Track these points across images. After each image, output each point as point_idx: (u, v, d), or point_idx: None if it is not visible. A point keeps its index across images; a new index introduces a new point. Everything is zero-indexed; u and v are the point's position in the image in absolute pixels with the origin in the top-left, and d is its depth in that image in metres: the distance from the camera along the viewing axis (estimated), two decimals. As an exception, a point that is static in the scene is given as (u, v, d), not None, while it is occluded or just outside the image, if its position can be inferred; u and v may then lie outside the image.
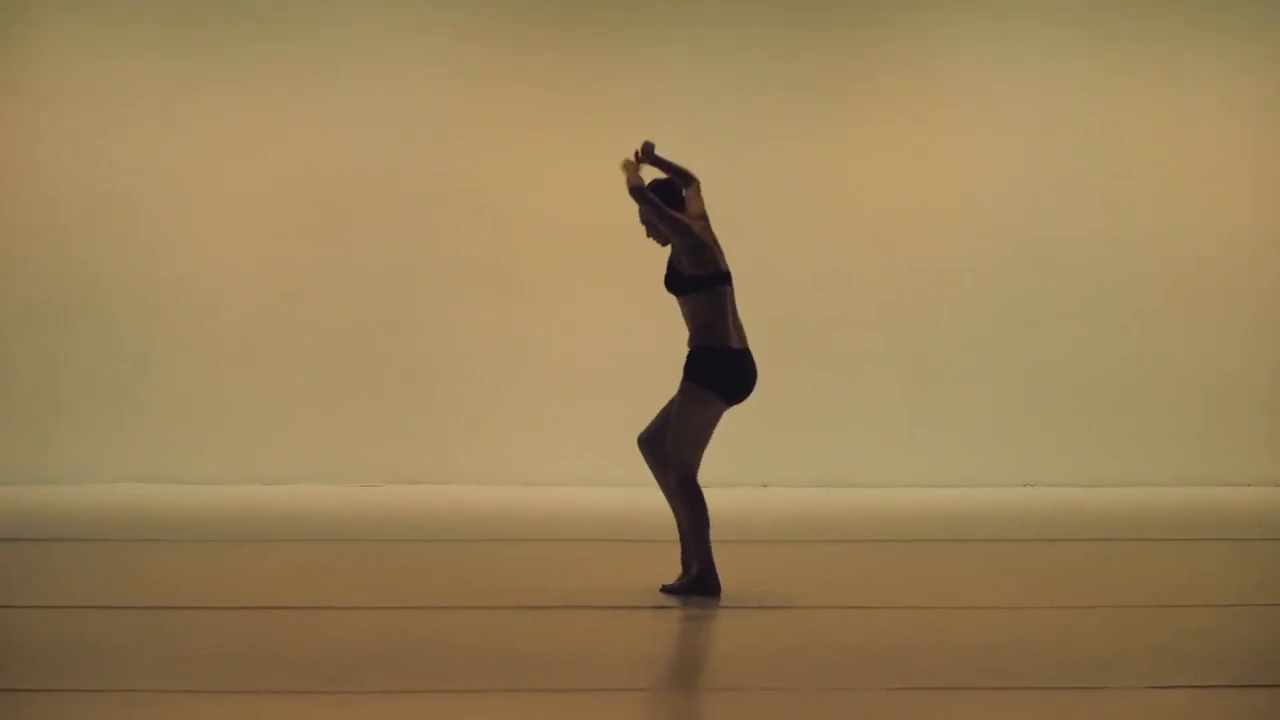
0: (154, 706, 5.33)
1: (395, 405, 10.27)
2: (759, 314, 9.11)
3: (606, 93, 10.32)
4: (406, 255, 10.28)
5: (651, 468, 7.09)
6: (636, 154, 7.09)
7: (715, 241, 6.99)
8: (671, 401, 7.03)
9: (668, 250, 6.98)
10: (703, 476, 7.11)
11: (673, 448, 6.94)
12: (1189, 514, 9.56)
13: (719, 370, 6.88)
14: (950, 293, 10.47)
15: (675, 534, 7.13)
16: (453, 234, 10.28)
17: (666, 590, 7.01)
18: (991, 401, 10.47)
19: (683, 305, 6.97)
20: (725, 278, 6.92)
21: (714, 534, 8.16)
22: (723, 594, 7.02)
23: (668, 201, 6.94)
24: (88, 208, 10.16)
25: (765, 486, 10.15)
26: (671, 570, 7.29)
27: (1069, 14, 10.51)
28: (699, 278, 6.88)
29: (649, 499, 9.70)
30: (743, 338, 6.96)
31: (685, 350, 10.27)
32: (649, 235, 6.99)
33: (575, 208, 10.31)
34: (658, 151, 7.11)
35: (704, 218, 7.02)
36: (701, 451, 6.97)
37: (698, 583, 6.97)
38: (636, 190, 6.86)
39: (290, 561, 7.83)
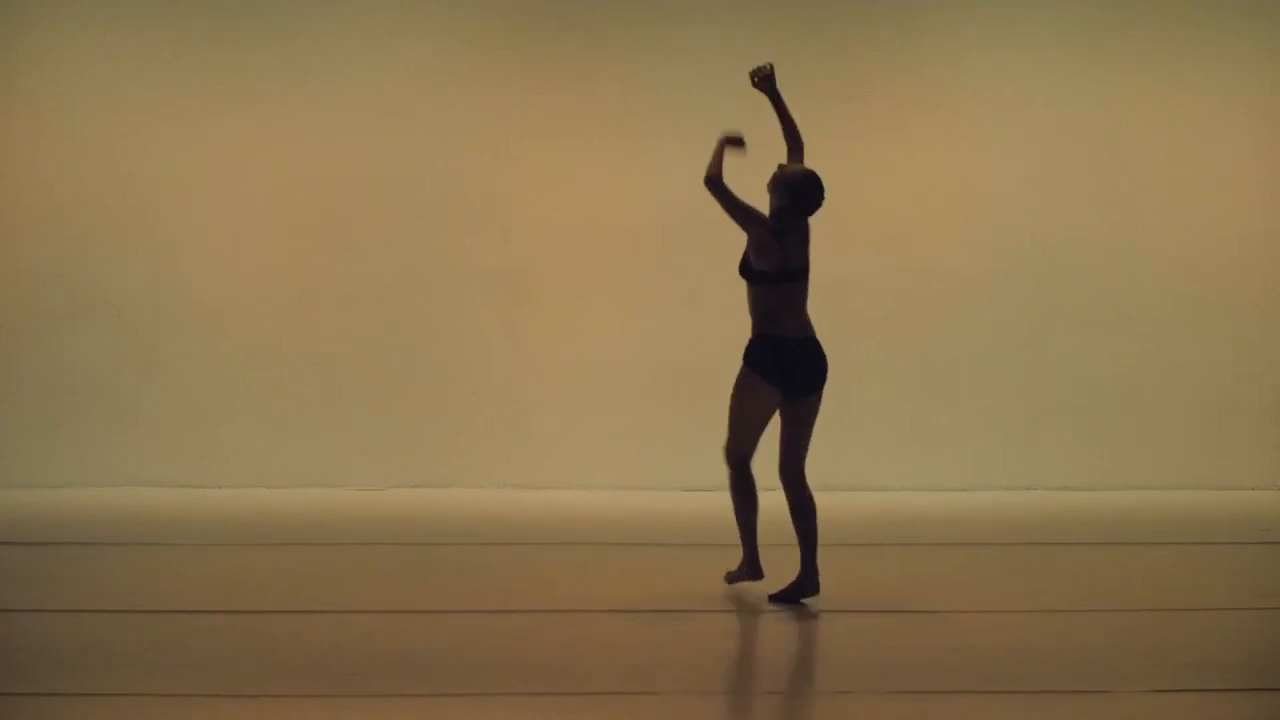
0: (158, 710, 5.33)
1: (401, 410, 10.26)
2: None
3: (614, 99, 10.31)
4: (412, 260, 10.27)
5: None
6: (754, 77, 7.29)
7: (799, 235, 7.05)
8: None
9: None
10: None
11: (729, 428, 7.08)
12: (1196, 517, 9.54)
13: (768, 357, 6.96)
14: (956, 298, 10.45)
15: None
16: (460, 239, 10.28)
17: (774, 598, 7.05)
18: (998, 406, 10.46)
19: (749, 292, 7.09)
20: (790, 274, 7.00)
21: (718, 538, 8.18)
22: (725, 597, 7.02)
23: (796, 211, 7.03)
24: (93, 212, 10.16)
25: (767, 490, 10.13)
26: (673, 574, 7.29)
27: (1074, 22, 10.49)
28: (763, 273, 6.98)
29: (654, 503, 9.70)
30: (804, 326, 7.03)
31: (695, 354, 10.29)
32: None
33: (583, 214, 10.30)
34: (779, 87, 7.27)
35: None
36: (754, 437, 7.05)
37: (796, 584, 7.03)
38: (711, 181, 7.00)
39: (295, 565, 7.83)
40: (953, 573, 7.76)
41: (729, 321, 9.87)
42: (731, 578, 7.19)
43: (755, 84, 7.32)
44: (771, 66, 7.31)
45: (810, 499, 7.06)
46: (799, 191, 7.02)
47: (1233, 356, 10.58)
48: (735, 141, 7.17)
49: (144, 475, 10.10)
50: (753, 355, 7.02)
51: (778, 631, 6.69)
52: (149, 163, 10.17)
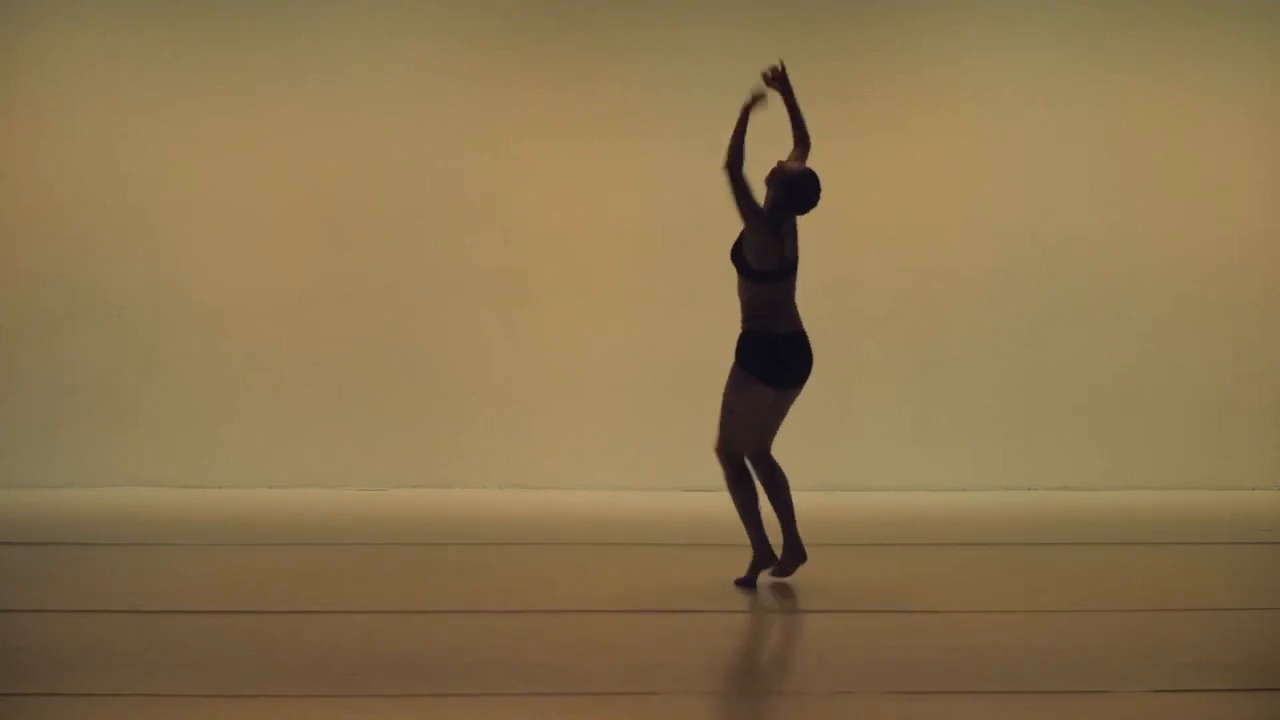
0: (158, 710, 5.34)
1: (401, 409, 10.26)
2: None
3: (614, 99, 10.30)
4: (412, 260, 10.27)
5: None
6: (766, 75, 7.34)
7: (791, 229, 7.14)
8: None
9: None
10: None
11: (720, 425, 7.15)
12: (1196, 517, 9.53)
13: (762, 356, 7.05)
14: (956, 298, 10.45)
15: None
16: (460, 239, 10.28)
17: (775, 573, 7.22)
18: (998, 406, 10.46)
19: (739, 284, 7.15)
20: (784, 273, 7.07)
21: (718, 539, 8.18)
22: (725, 598, 7.02)
23: (791, 207, 7.10)
24: (93, 212, 10.16)
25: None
26: (673, 574, 7.29)
27: (1074, 22, 10.49)
28: (761, 272, 7.02)
29: (654, 503, 9.70)
30: (794, 321, 7.12)
31: (695, 354, 10.27)
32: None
33: (583, 214, 10.30)
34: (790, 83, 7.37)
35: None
36: (748, 432, 7.13)
37: (785, 558, 7.21)
38: (730, 168, 6.99)
39: (296, 565, 7.83)
40: (953, 573, 7.76)
41: (729, 321, 9.84)
42: (745, 580, 7.21)
43: (768, 81, 7.33)
44: (782, 66, 7.34)
45: (781, 471, 7.24)
46: (795, 189, 7.09)
47: (1233, 356, 10.58)
48: (757, 100, 7.17)
49: (144, 475, 10.11)
50: (748, 355, 7.09)
51: (778, 631, 6.69)
52: (149, 163, 10.17)
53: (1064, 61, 10.47)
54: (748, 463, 7.23)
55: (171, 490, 9.98)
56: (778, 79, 7.37)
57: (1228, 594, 7.48)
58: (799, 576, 7.30)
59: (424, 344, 10.27)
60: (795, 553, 7.20)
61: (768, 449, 7.27)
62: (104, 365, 10.16)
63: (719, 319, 9.79)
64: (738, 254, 7.12)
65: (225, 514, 9.23)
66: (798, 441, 10.30)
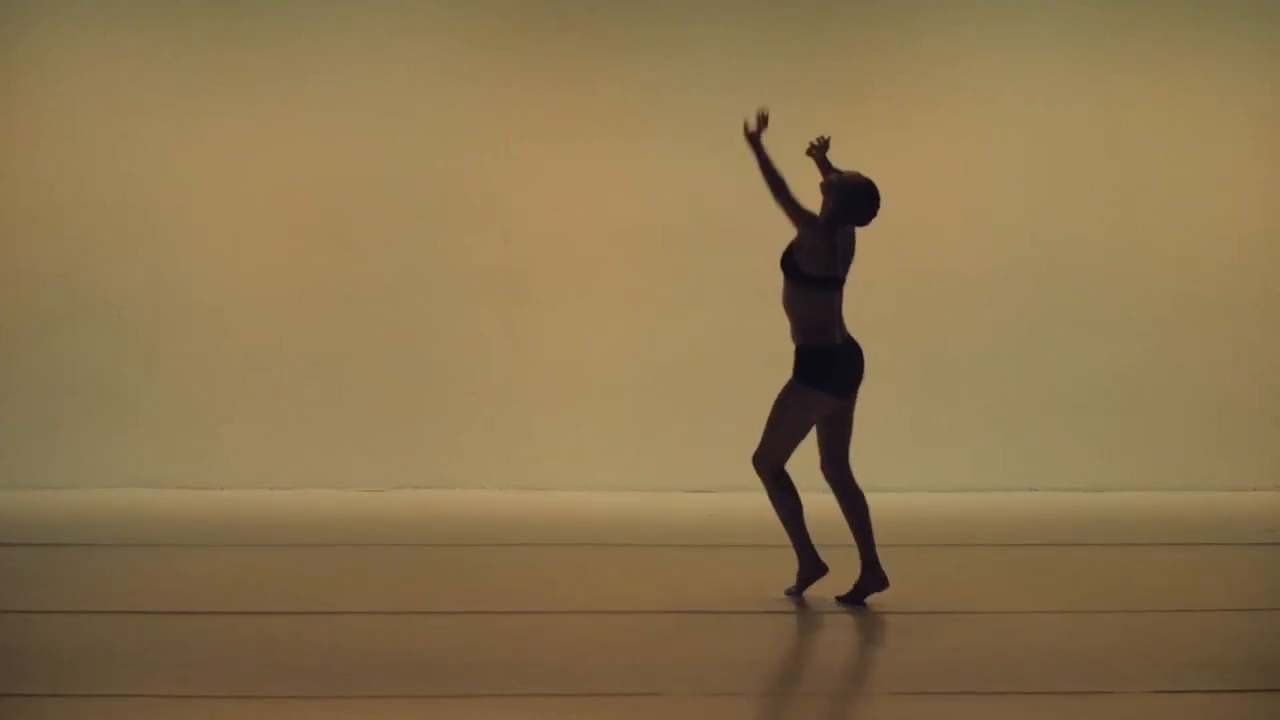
0: (159, 710, 5.34)
1: (401, 410, 10.26)
2: (767, 319, 9.12)
3: (614, 99, 10.30)
4: (412, 260, 10.27)
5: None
6: (814, 146, 7.25)
7: (847, 242, 7.05)
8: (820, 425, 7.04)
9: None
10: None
11: (766, 437, 6.98)
12: (1195, 517, 9.54)
13: (824, 368, 6.93)
14: (956, 298, 10.45)
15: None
16: (460, 239, 10.28)
17: (842, 599, 6.99)
18: (998, 406, 10.46)
19: (790, 292, 6.96)
20: (836, 284, 6.96)
21: (721, 539, 8.17)
22: (725, 599, 7.01)
23: (847, 218, 6.98)
24: (93, 212, 10.16)
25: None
26: (673, 574, 7.27)
27: (1074, 22, 10.49)
28: (814, 278, 6.91)
29: (655, 503, 9.70)
30: (844, 330, 7.00)
31: (695, 354, 10.24)
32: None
33: (583, 214, 10.30)
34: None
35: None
36: (794, 444, 7.01)
37: (861, 585, 6.98)
38: (777, 193, 6.83)
39: (296, 566, 7.83)
40: (953, 573, 7.77)
41: (729, 321, 9.87)
42: (796, 590, 7.08)
43: (811, 152, 7.31)
44: (826, 141, 7.31)
45: (862, 495, 7.08)
46: (849, 198, 6.99)
47: (1233, 356, 10.58)
48: (761, 124, 7.00)
49: (144, 476, 10.11)
50: (810, 371, 6.93)
51: (778, 632, 6.69)
52: (149, 163, 10.17)
53: (1064, 61, 10.47)
54: (830, 484, 7.11)
55: (172, 490, 9.99)
56: (819, 148, 7.29)
57: (1228, 594, 7.48)
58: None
59: (424, 344, 10.27)
60: (874, 575, 7.00)
61: (846, 465, 7.11)
62: (104, 365, 10.17)
63: (719, 319, 9.82)
64: (788, 260, 6.96)
65: (226, 514, 9.23)
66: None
